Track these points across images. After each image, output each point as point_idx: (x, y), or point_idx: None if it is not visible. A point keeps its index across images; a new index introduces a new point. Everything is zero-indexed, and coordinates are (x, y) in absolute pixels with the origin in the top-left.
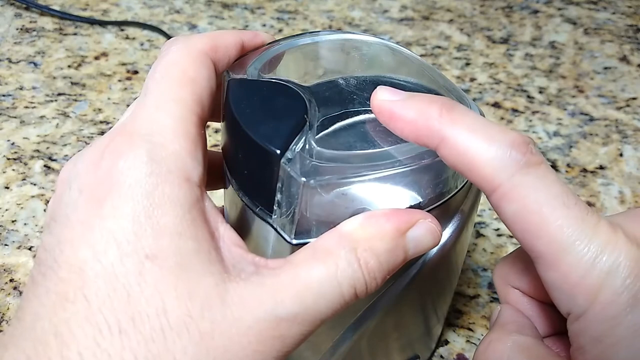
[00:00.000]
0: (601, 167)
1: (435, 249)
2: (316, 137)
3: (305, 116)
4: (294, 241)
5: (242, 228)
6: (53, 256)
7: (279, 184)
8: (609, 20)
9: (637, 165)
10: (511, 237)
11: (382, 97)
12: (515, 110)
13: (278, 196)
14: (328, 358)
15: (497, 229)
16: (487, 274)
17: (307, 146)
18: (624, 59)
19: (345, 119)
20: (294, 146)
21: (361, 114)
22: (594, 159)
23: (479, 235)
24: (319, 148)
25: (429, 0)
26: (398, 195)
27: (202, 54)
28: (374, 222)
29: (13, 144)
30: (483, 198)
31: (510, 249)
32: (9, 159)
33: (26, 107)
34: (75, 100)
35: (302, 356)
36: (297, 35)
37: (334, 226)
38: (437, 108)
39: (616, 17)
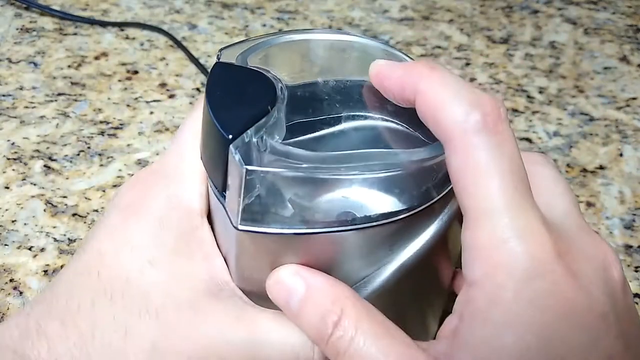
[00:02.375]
0: (601, 167)
1: (421, 246)
2: (292, 140)
3: (269, 107)
4: (240, 227)
5: (211, 210)
6: (84, 246)
7: (229, 167)
8: (609, 20)
9: (637, 165)
10: None
11: (380, 62)
12: (515, 110)
13: (228, 179)
14: None
15: None
16: None
17: (263, 136)
18: (624, 59)
19: (325, 124)
20: (250, 133)
21: (342, 120)
22: (594, 159)
23: None
24: (273, 141)
25: (429, 0)
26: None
27: None
28: None
29: (13, 144)
30: None
31: None
32: (9, 159)
33: (26, 107)
34: (75, 100)
35: None
36: (300, 30)
37: (279, 217)
38: (421, 66)
39: (616, 17)
